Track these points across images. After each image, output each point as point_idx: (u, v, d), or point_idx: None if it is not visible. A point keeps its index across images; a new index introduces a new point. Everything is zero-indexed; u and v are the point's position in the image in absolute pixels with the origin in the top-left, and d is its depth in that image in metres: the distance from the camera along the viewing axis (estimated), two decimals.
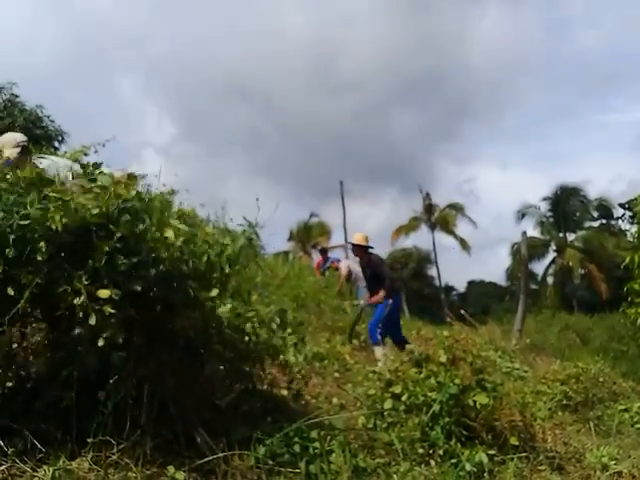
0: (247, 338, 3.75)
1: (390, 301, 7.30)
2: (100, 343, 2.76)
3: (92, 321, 2.71)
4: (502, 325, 14.11)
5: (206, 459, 3.07)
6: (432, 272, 35.72)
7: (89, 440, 2.83)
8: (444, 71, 76.05)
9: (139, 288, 2.86)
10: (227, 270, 3.44)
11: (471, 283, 44.15)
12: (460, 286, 43.86)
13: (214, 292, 3.31)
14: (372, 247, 7.81)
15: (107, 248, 2.79)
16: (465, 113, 76.67)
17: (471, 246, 34.76)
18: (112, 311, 2.73)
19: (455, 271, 71.90)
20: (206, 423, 3.34)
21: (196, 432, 3.24)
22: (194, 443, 3.23)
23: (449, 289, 40.79)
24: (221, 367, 3.69)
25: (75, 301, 2.74)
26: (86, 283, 2.74)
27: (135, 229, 2.96)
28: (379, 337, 7.11)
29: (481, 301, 38.01)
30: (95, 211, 2.85)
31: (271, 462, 3.10)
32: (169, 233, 3.06)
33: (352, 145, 68.01)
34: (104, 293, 2.74)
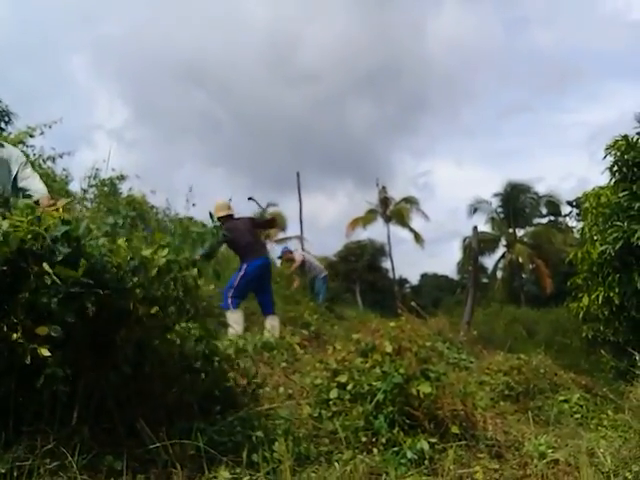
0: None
1: (245, 265, 7.26)
2: (40, 381, 2.69)
3: (27, 361, 2.63)
4: (452, 317, 14.41)
5: (146, 448, 3.04)
6: (387, 265, 36.19)
7: (24, 429, 2.76)
8: (402, 65, 76.89)
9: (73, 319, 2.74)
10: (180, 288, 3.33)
11: (424, 276, 45.09)
12: (414, 279, 44.70)
13: (154, 309, 3.18)
14: (232, 214, 7.62)
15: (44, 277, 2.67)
16: (422, 107, 77.85)
17: (425, 239, 35.42)
18: (48, 354, 2.64)
19: (409, 264, 73.12)
20: (148, 414, 3.29)
21: (136, 422, 3.20)
22: (134, 433, 3.19)
23: (403, 282, 41.47)
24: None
25: (13, 337, 2.63)
26: (22, 318, 2.65)
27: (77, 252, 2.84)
28: (229, 302, 7.03)
29: (433, 294, 38.84)
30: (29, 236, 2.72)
31: (213, 451, 3.08)
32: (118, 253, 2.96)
33: (310, 137, 68.06)
34: (42, 330, 2.65)
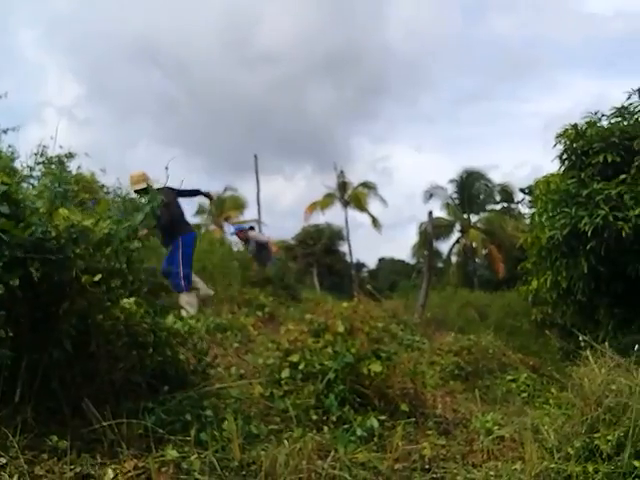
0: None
1: (181, 239, 6.80)
2: None
3: None
4: (407, 300, 14.65)
5: (91, 428, 2.98)
6: (345, 249, 36.43)
7: None
8: (361, 48, 76.73)
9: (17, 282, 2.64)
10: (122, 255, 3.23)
11: (381, 260, 45.63)
12: (371, 263, 45.19)
13: (97, 277, 3.08)
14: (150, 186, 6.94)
15: None
16: (382, 92, 78.04)
17: (383, 224, 35.79)
18: None
19: (367, 248, 73.68)
20: (94, 393, 3.22)
21: (82, 402, 3.13)
22: (80, 413, 3.12)
23: (360, 265, 41.86)
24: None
25: None
26: None
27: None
28: (181, 283, 6.64)
29: (390, 277, 39.37)
30: None
31: (161, 430, 3.04)
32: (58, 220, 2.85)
33: (268, 119, 67.31)
34: None
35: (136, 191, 6.50)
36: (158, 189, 7.02)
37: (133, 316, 3.53)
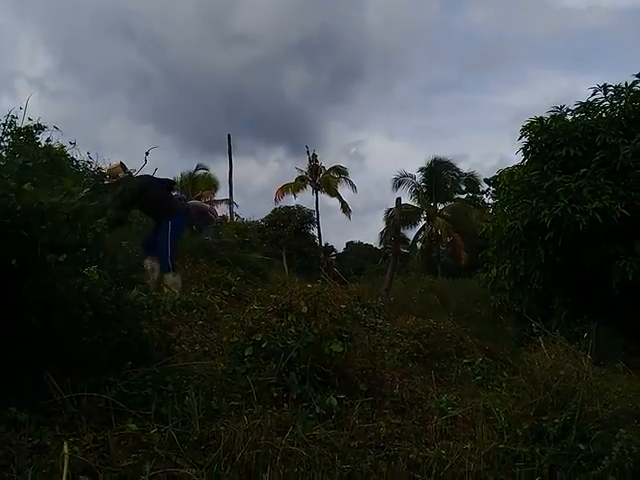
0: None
1: (170, 222, 6.80)
2: None
3: None
4: (373, 284, 14.82)
5: (51, 400, 2.99)
6: (314, 232, 36.50)
7: None
8: (338, 33, 75.85)
9: None
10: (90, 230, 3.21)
11: (349, 244, 45.92)
12: (340, 247, 45.42)
13: (62, 256, 3.11)
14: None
15: None
16: (357, 77, 77.58)
17: (353, 209, 35.94)
18: None
19: (337, 232, 73.83)
20: (56, 367, 3.21)
21: (43, 375, 3.13)
22: (41, 386, 3.12)
23: (329, 249, 42.02)
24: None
25: None
26: None
27: None
28: (169, 263, 6.70)
29: (357, 262, 39.66)
30: None
31: (122, 405, 3.07)
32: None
33: (243, 100, 66.26)
34: None
35: (119, 181, 6.49)
36: (137, 176, 7.09)
37: (96, 287, 3.50)
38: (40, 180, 3.19)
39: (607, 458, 3.63)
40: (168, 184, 7.54)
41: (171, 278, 6.61)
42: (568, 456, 3.78)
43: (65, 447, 2.50)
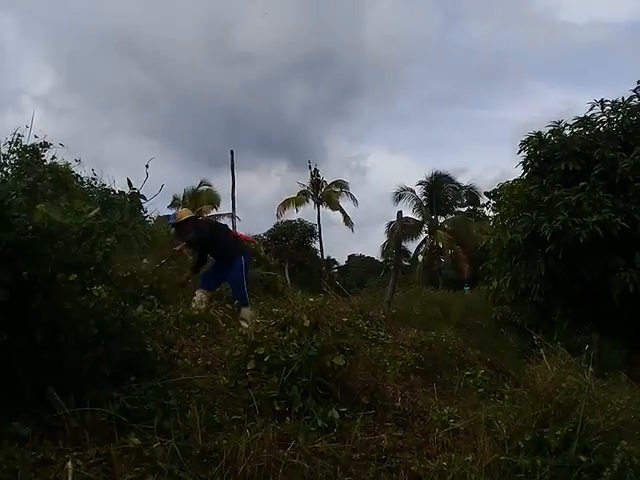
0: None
1: (243, 259, 7.41)
2: None
3: None
4: (375, 297, 14.83)
5: (54, 415, 3.01)
6: (316, 245, 36.59)
7: None
8: (339, 50, 76.87)
9: None
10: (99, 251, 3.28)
11: (351, 257, 45.99)
12: (342, 260, 45.48)
13: (73, 276, 3.18)
14: (200, 216, 8.06)
15: None
16: (358, 93, 78.36)
17: (355, 222, 36.05)
18: None
19: (339, 246, 74.08)
20: (59, 382, 3.24)
21: (46, 389, 3.15)
22: (44, 400, 3.14)
23: (331, 262, 42.06)
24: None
25: None
26: None
27: None
28: (247, 297, 7.24)
29: (359, 274, 39.73)
30: None
31: (124, 419, 3.09)
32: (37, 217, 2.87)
33: (245, 117, 66.95)
34: None
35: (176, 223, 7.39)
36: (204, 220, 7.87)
37: (102, 304, 3.55)
38: (49, 198, 3.25)
39: (608, 470, 3.63)
40: (225, 228, 8.44)
41: (248, 312, 6.98)
42: (569, 468, 3.78)
43: (69, 463, 2.51)
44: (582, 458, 3.79)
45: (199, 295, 7.26)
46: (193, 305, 7.05)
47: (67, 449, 2.84)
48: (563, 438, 3.96)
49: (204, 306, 7.05)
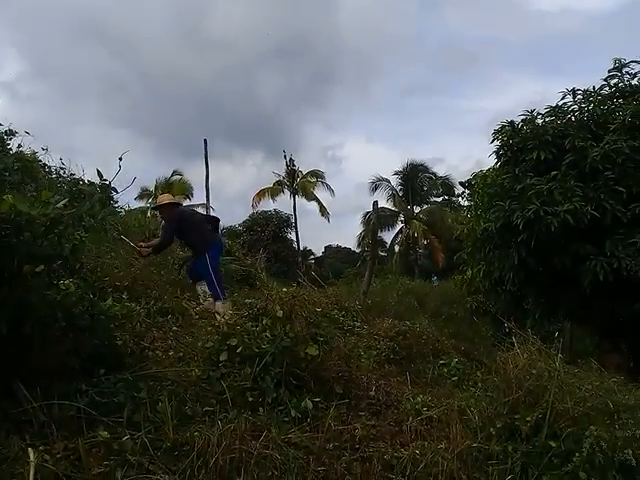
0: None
1: (209, 253, 7.26)
2: None
3: None
4: (351, 287, 14.89)
5: (21, 409, 2.94)
6: (292, 236, 36.50)
7: None
8: (313, 38, 76.35)
9: None
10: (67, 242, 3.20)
11: (327, 248, 46.05)
12: (318, 251, 45.49)
13: (39, 267, 3.09)
14: (180, 203, 7.90)
15: None
16: (333, 82, 77.99)
17: (331, 213, 36.03)
18: None
19: (315, 237, 74.04)
20: (26, 375, 3.17)
21: (13, 383, 3.08)
22: (10, 394, 3.07)
23: (307, 253, 42.04)
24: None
25: None
26: None
27: None
28: (219, 291, 7.10)
29: (335, 265, 39.80)
30: None
31: (93, 412, 3.03)
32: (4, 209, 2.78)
33: (218, 105, 66.00)
34: None
35: (154, 207, 7.37)
36: (176, 206, 7.55)
37: (70, 297, 3.47)
38: (15, 188, 3.15)
39: (578, 455, 3.71)
40: (214, 222, 8.16)
41: (221, 306, 6.86)
42: (540, 453, 3.84)
43: (31, 454, 2.46)
44: (552, 444, 3.86)
45: (199, 289, 7.27)
46: (201, 301, 7.04)
47: (34, 444, 2.77)
48: (533, 424, 4.01)
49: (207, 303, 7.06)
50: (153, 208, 7.41)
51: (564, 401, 4.18)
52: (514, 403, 4.26)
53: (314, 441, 3.40)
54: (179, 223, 7.23)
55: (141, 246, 7.44)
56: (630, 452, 3.81)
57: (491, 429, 4.14)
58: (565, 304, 9.45)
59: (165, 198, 7.70)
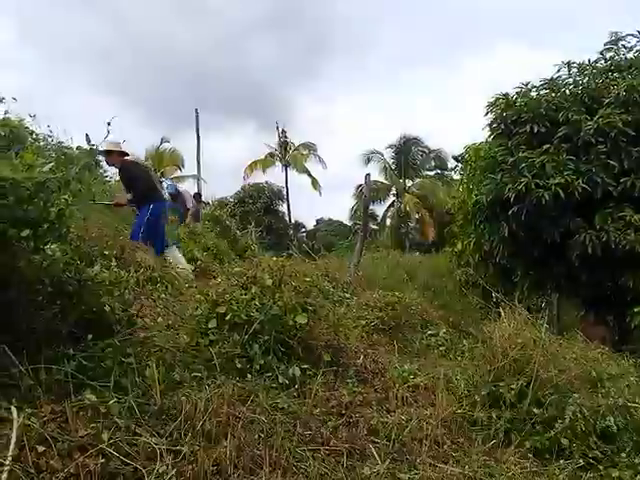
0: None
1: (151, 206, 7.34)
2: None
3: None
4: (342, 260, 14.91)
5: (7, 373, 2.94)
6: (284, 208, 36.40)
7: None
8: (308, 7, 74.98)
9: None
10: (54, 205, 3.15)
11: (319, 221, 46.03)
12: (310, 223, 45.49)
13: (25, 232, 3.04)
14: (127, 154, 7.70)
15: None
16: (327, 52, 76.96)
17: (324, 185, 35.90)
18: None
19: (307, 209, 73.92)
20: (13, 340, 3.16)
21: None
22: None
23: (299, 225, 42.04)
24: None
25: None
26: None
27: None
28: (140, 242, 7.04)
29: (327, 238, 39.88)
30: None
31: (80, 376, 3.04)
32: None
33: (210, 74, 65.19)
34: None
35: (100, 152, 6.88)
36: (127, 160, 7.44)
37: (57, 262, 3.45)
38: (1, 154, 3.09)
39: (560, 421, 3.80)
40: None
41: (172, 254, 7.08)
42: (523, 420, 3.92)
43: (14, 413, 2.47)
44: (535, 411, 3.94)
45: (169, 256, 7.28)
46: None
47: (21, 406, 2.78)
48: (518, 392, 4.09)
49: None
50: (101, 152, 7.17)
51: (548, 369, 4.25)
52: (499, 371, 4.33)
53: (301, 407, 3.44)
54: (128, 173, 7.35)
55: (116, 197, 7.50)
56: (612, 419, 3.91)
57: (476, 396, 4.22)
58: (553, 277, 9.53)
59: (110, 146, 7.33)
